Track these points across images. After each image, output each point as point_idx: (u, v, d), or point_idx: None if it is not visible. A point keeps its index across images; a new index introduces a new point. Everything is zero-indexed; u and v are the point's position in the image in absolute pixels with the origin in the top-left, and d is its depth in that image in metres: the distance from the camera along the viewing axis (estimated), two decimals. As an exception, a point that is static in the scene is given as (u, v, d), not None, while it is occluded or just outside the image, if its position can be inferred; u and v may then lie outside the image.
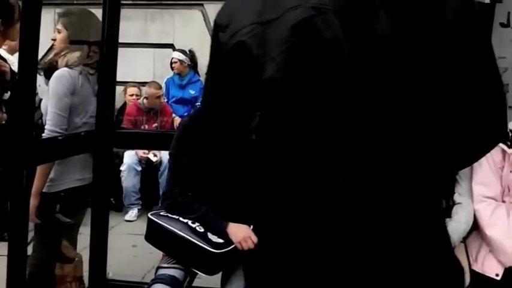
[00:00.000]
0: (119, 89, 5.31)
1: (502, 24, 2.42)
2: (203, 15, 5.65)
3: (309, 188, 0.95)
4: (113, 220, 4.67)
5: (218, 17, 0.99)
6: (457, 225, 2.04)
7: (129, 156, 4.88)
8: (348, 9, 0.91)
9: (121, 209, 4.90)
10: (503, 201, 2.08)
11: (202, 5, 5.65)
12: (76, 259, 2.72)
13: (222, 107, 0.98)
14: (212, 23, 1.02)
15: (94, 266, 2.64)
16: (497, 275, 2.02)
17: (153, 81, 5.30)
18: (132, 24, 5.43)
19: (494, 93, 0.96)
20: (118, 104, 5.31)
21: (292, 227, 0.98)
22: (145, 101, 5.13)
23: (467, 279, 2.00)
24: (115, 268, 3.39)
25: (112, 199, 4.86)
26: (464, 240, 2.09)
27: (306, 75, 0.90)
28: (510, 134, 2.06)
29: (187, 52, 5.42)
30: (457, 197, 2.12)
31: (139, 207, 4.83)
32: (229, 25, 0.95)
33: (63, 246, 2.63)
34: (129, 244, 3.93)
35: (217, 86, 1.00)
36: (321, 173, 0.93)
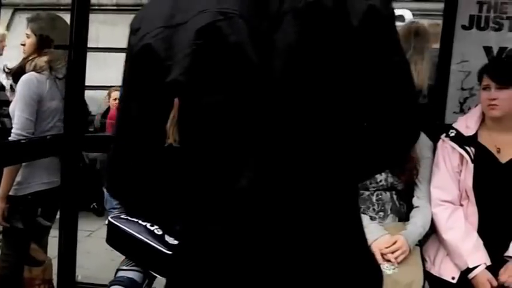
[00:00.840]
0: (103, 93, 5.36)
1: (464, 27, 2.41)
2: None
3: (214, 191, 0.97)
4: (94, 224, 4.68)
5: (132, 21, 1.01)
6: (413, 228, 2.05)
7: None
8: (255, 14, 0.92)
9: (103, 213, 4.89)
10: (461, 205, 2.08)
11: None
12: (45, 262, 2.74)
13: (133, 108, 1.00)
14: None
15: (63, 269, 2.65)
16: (453, 278, 2.02)
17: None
18: (117, 30, 5.48)
19: (403, 97, 0.98)
20: (102, 108, 5.37)
21: (201, 230, 1.00)
22: None
23: (421, 282, 2.01)
24: (93, 271, 3.41)
25: (94, 204, 4.87)
26: (420, 243, 2.10)
27: (210, 79, 0.92)
28: (454, 132, 2.08)
29: None
30: (415, 201, 2.13)
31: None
32: (139, 28, 0.97)
33: (32, 249, 2.65)
34: (108, 248, 3.94)
35: (129, 88, 1.02)
36: (224, 176, 0.95)
